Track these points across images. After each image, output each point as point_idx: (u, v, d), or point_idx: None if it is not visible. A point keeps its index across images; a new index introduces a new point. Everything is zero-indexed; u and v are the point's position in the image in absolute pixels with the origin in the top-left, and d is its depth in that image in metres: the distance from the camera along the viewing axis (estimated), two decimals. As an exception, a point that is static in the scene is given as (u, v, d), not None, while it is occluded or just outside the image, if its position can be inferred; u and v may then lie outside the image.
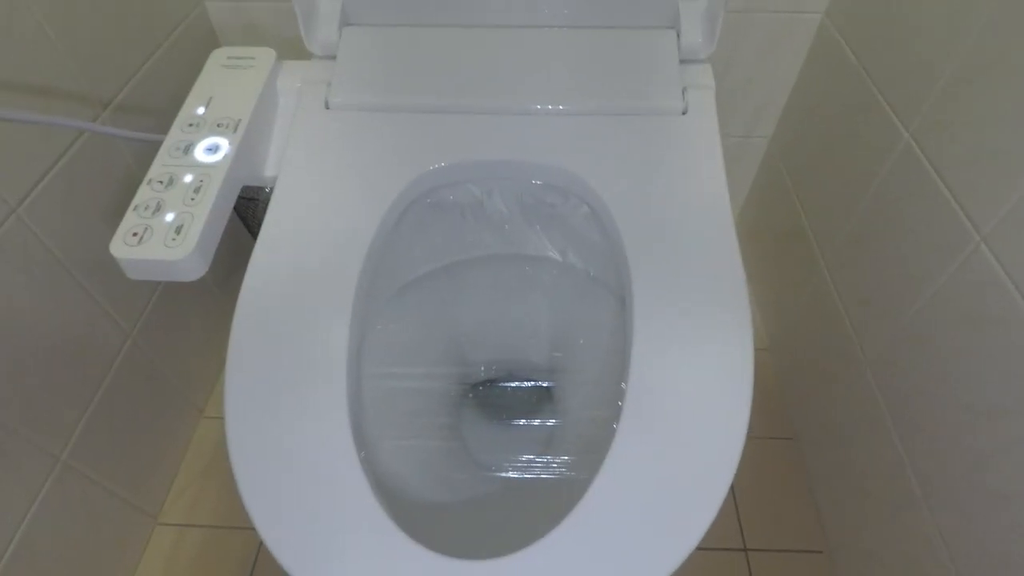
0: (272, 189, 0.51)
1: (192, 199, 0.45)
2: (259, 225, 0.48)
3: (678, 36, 0.55)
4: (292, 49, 0.61)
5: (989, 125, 0.50)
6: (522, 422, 0.68)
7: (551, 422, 0.65)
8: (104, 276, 0.62)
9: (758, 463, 0.83)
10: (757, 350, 0.93)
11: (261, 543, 0.72)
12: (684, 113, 0.52)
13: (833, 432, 0.76)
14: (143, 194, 0.46)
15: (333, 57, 0.57)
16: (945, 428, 0.55)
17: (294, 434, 0.39)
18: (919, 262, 0.59)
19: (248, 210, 0.60)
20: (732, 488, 0.81)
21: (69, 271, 0.58)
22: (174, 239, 0.43)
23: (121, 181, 0.64)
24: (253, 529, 0.36)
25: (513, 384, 0.67)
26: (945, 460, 0.55)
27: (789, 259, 0.89)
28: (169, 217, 0.45)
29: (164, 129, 0.52)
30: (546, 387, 0.72)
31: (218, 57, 0.56)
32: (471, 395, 0.70)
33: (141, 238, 0.44)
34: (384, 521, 0.35)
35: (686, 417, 0.39)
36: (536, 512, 0.45)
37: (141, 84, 0.65)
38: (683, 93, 0.53)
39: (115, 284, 0.64)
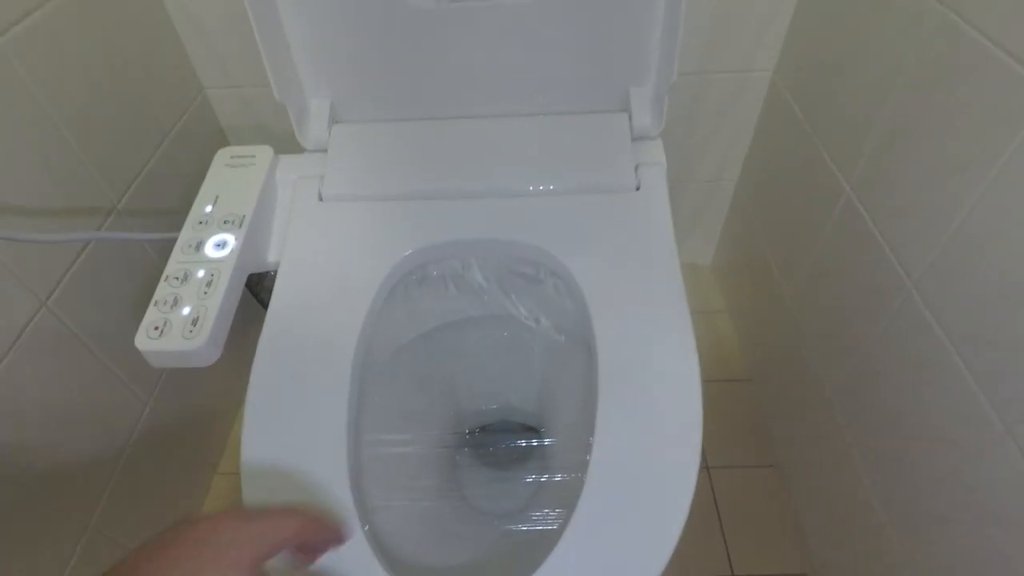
0: (275, 272, 0.57)
1: (205, 293, 0.52)
2: (267, 294, 0.55)
3: (630, 118, 0.62)
4: (284, 125, 0.68)
5: (912, 180, 0.56)
6: (515, 463, 0.73)
7: (541, 467, 0.70)
8: (124, 351, 0.68)
9: (743, 491, 0.88)
10: (740, 380, 0.99)
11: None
12: (638, 189, 0.59)
13: (810, 459, 0.80)
14: (162, 290, 0.52)
15: (324, 150, 0.64)
16: (898, 460, 0.60)
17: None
18: (865, 304, 0.65)
19: (256, 283, 0.66)
20: (719, 516, 0.86)
21: (94, 352, 0.64)
22: (191, 331, 0.49)
23: (140, 266, 0.70)
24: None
25: (505, 439, 0.72)
26: (902, 487, 0.60)
27: (761, 294, 0.95)
28: (186, 311, 0.51)
29: (176, 223, 0.58)
30: (536, 429, 0.78)
31: (222, 157, 0.63)
32: (466, 445, 0.75)
33: (162, 331, 0.50)
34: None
35: (644, 464, 0.45)
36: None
37: (153, 182, 0.72)
38: (636, 171, 0.60)
39: (134, 357, 0.70)
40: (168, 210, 0.75)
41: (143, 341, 0.49)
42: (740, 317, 1.05)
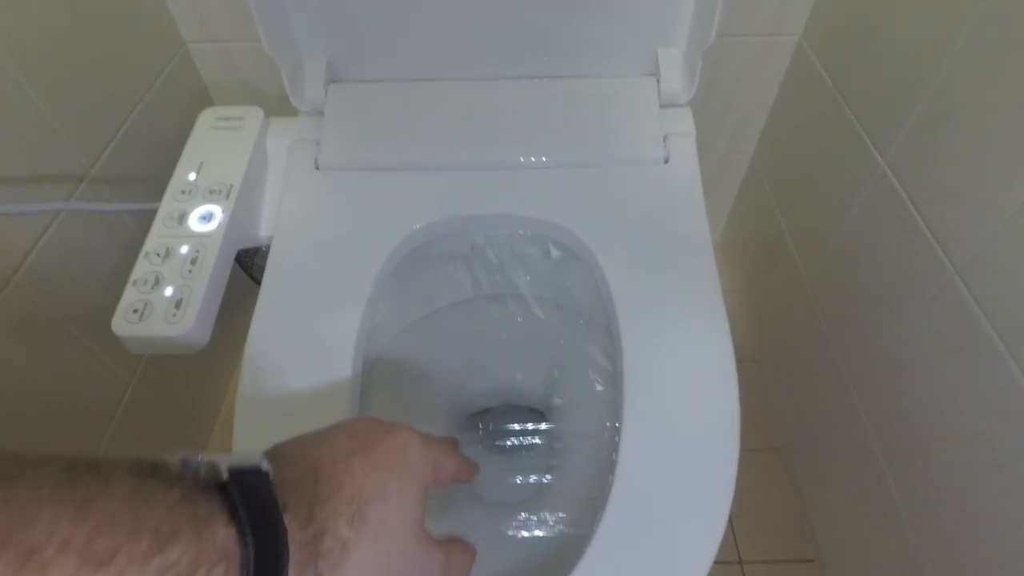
0: (268, 248, 0.52)
1: (189, 271, 0.46)
2: (259, 271, 0.50)
3: (658, 83, 0.57)
4: (276, 85, 0.62)
5: (962, 160, 0.52)
6: (521, 448, 0.70)
7: (549, 453, 0.67)
8: (103, 329, 0.63)
9: (750, 474, 0.85)
10: (746, 361, 0.96)
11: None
12: (666, 162, 0.54)
13: (821, 445, 0.78)
14: (141, 268, 0.47)
15: (320, 112, 0.58)
16: (925, 451, 0.57)
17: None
18: (896, 289, 0.61)
19: (248, 259, 0.61)
20: (726, 501, 0.84)
21: (68, 331, 0.59)
22: (174, 314, 0.45)
23: (118, 237, 0.64)
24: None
25: (511, 423, 0.68)
26: (927, 482, 0.57)
27: (774, 272, 0.91)
28: (168, 291, 0.46)
29: (157, 192, 0.53)
30: (543, 414, 0.74)
31: (207, 118, 0.57)
32: (472, 426, 0.71)
33: (142, 314, 0.45)
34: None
35: (678, 456, 0.41)
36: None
37: (130, 146, 0.65)
38: (664, 141, 0.55)
39: (111, 335, 0.65)
40: (148, 177, 0.68)
41: (121, 326, 0.44)
42: (749, 296, 1.01)
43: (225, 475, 0.23)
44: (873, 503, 0.66)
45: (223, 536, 0.21)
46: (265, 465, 0.24)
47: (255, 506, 0.22)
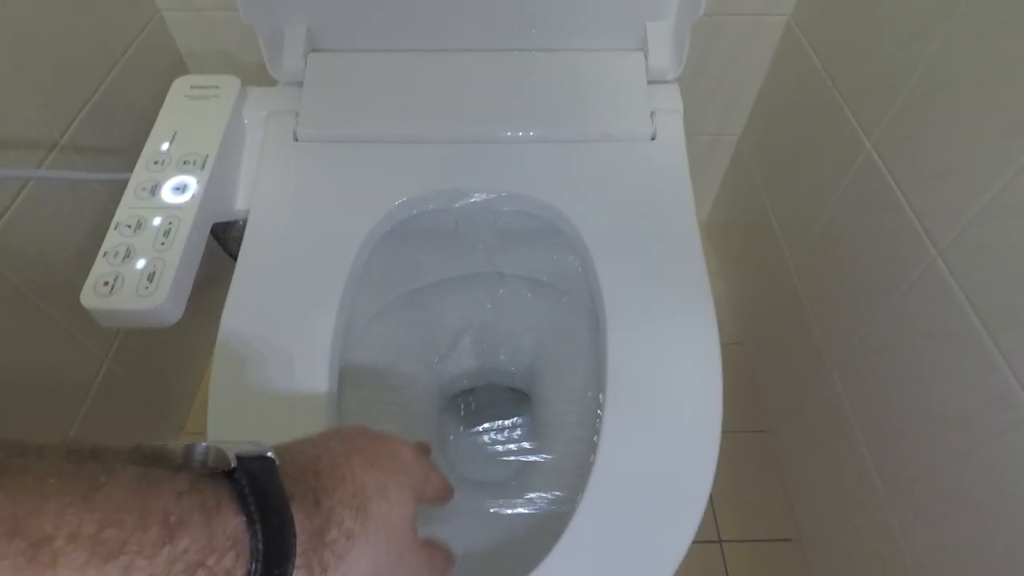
0: (244, 222, 0.50)
1: (162, 244, 0.45)
2: (235, 244, 0.48)
3: (646, 58, 0.56)
4: (253, 54, 0.59)
5: (947, 142, 0.52)
6: (503, 431, 0.70)
7: (530, 434, 0.66)
8: (74, 305, 0.61)
9: (731, 455, 0.86)
10: (729, 344, 0.96)
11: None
12: (653, 139, 0.53)
13: (803, 427, 0.79)
14: (111, 239, 0.45)
15: (299, 83, 0.56)
16: (905, 433, 0.58)
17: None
18: (879, 271, 0.61)
19: (223, 232, 0.59)
20: (707, 481, 0.84)
21: (37, 306, 0.58)
22: (147, 287, 0.43)
23: (89, 208, 0.62)
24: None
25: (493, 404, 0.68)
26: (906, 463, 0.58)
27: (759, 255, 0.91)
28: (140, 264, 0.44)
29: (129, 162, 0.51)
30: (525, 394, 0.74)
31: (181, 87, 0.55)
32: (454, 405, 0.71)
33: (112, 287, 0.43)
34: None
35: (660, 436, 0.41)
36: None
37: (102, 114, 0.63)
38: (651, 118, 0.54)
39: (84, 311, 0.63)
40: (121, 147, 0.66)
41: (91, 298, 0.43)
42: (733, 278, 1.02)
43: (233, 462, 0.22)
44: (852, 484, 0.67)
45: (233, 524, 0.21)
46: (272, 453, 0.24)
47: (264, 493, 0.22)
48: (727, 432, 0.43)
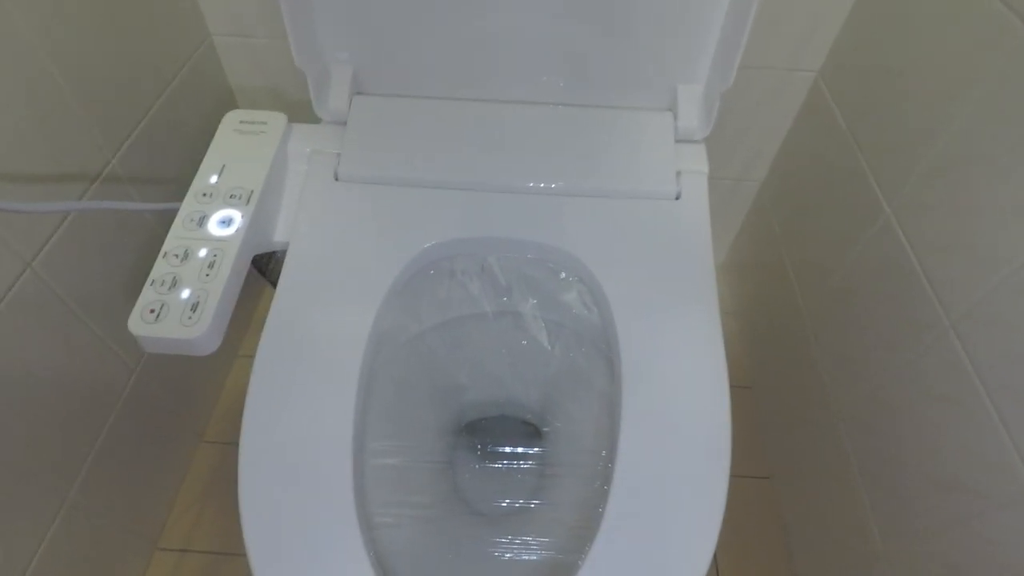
0: (281, 254, 0.53)
1: (207, 275, 0.48)
2: (274, 273, 0.51)
3: (675, 118, 0.58)
4: (299, 90, 0.61)
5: (965, 215, 0.53)
6: (513, 462, 0.71)
7: (540, 470, 0.68)
8: (112, 317, 0.64)
9: (736, 500, 0.87)
10: (740, 387, 0.97)
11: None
12: (677, 198, 0.55)
13: (807, 476, 0.80)
14: (159, 268, 0.48)
15: (343, 123, 0.58)
16: (908, 494, 0.59)
17: (304, 503, 0.42)
18: (891, 332, 0.62)
19: (264, 262, 0.62)
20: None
21: (81, 318, 0.60)
22: (190, 317, 0.46)
23: (135, 230, 0.65)
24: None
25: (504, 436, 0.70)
26: (906, 522, 0.59)
27: (774, 301, 0.92)
28: (185, 294, 0.47)
29: (174, 189, 0.54)
30: (536, 428, 0.75)
31: (231, 121, 0.57)
32: (469, 442, 0.73)
33: (158, 315, 0.46)
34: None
35: (669, 486, 0.43)
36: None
37: (150, 140, 0.66)
38: (677, 177, 0.56)
39: (121, 324, 0.66)
40: (167, 175, 0.69)
41: (138, 325, 0.45)
42: (747, 322, 1.03)
43: None
44: (853, 540, 0.67)
45: None
46: None
47: None
48: (732, 477, 0.45)
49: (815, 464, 0.77)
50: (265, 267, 0.57)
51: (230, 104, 0.82)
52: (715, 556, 0.83)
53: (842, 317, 0.72)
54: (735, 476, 0.88)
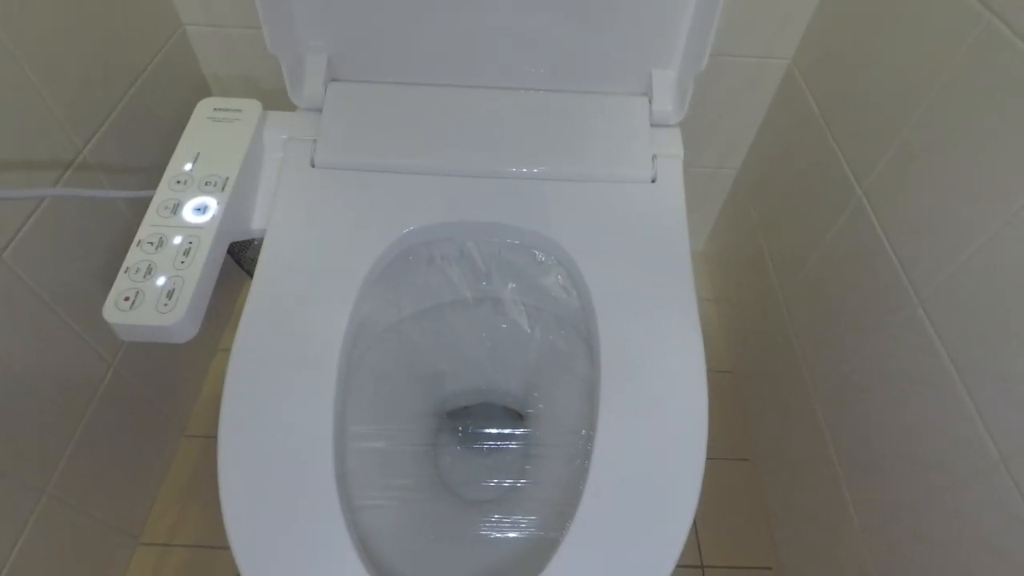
0: (259, 241, 0.53)
1: (182, 262, 0.47)
2: (250, 263, 0.51)
3: (650, 103, 0.58)
4: (273, 78, 0.61)
5: (932, 197, 0.54)
6: (496, 447, 0.72)
7: (523, 453, 0.68)
8: (86, 309, 0.64)
9: (717, 482, 0.88)
10: (720, 372, 0.99)
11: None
12: (653, 181, 0.55)
13: (787, 457, 0.81)
14: (133, 256, 0.48)
15: (318, 109, 0.58)
16: (882, 470, 0.60)
17: (284, 490, 0.42)
18: (864, 313, 0.64)
19: (240, 250, 0.62)
20: (692, 506, 0.86)
21: (54, 310, 0.59)
22: (166, 304, 0.45)
23: (108, 220, 0.64)
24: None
25: (487, 422, 0.70)
26: (882, 500, 0.60)
27: (751, 286, 0.93)
28: (160, 281, 0.46)
29: (148, 178, 0.53)
30: (519, 414, 0.76)
31: (204, 109, 0.57)
32: (451, 426, 0.73)
33: (133, 303, 0.45)
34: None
35: (647, 463, 0.44)
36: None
37: (123, 128, 0.65)
38: (653, 161, 0.56)
39: (97, 316, 0.65)
40: (140, 163, 0.68)
41: (112, 313, 0.45)
42: (726, 308, 1.04)
43: None
44: (831, 516, 0.69)
45: None
46: None
47: None
48: (712, 459, 0.46)
49: (794, 445, 0.78)
50: (242, 257, 0.57)
51: (204, 93, 0.81)
52: (697, 535, 0.84)
53: (818, 301, 0.73)
54: (717, 459, 0.90)
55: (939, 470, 0.53)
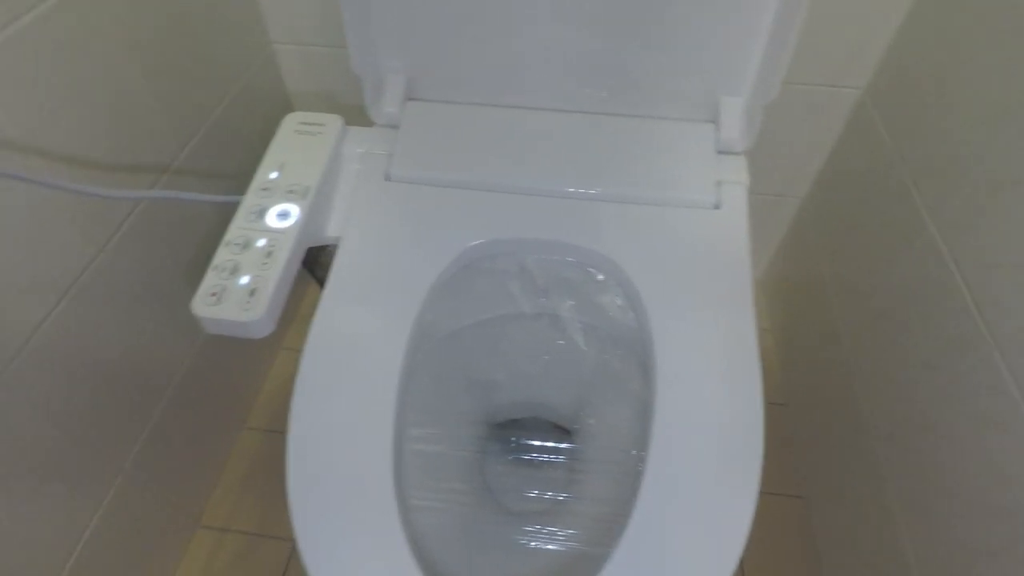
0: (333, 247, 0.56)
1: (264, 263, 0.51)
2: (322, 269, 0.54)
3: (717, 129, 0.59)
4: (352, 96, 0.65)
5: (1013, 234, 0.52)
6: (544, 462, 0.73)
7: (571, 469, 0.69)
8: (171, 303, 0.68)
9: (766, 518, 0.86)
10: (775, 405, 0.96)
11: (292, 553, 0.78)
12: (717, 208, 0.56)
13: (840, 497, 0.78)
14: (221, 255, 0.51)
15: (395, 126, 0.62)
16: (946, 519, 0.58)
17: (346, 483, 0.44)
18: (932, 352, 0.61)
19: (313, 258, 0.65)
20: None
21: (145, 302, 0.64)
22: (248, 302, 0.49)
23: (196, 224, 0.70)
24: (285, 539, 0.41)
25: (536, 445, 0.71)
26: (944, 551, 0.57)
27: (811, 318, 0.91)
28: (244, 280, 0.50)
29: (233, 185, 0.57)
30: (567, 430, 0.77)
31: (291, 122, 0.61)
32: (502, 436, 0.74)
33: (219, 298, 0.49)
34: None
35: (699, 491, 0.44)
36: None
37: (213, 140, 0.70)
38: (717, 187, 0.57)
39: (180, 311, 0.70)
40: (226, 171, 0.73)
41: (200, 307, 0.49)
42: (784, 338, 1.02)
43: None
44: (887, 564, 0.66)
45: None
46: None
47: None
48: (765, 494, 0.45)
49: (850, 485, 0.76)
50: (315, 263, 0.60)
51: (286, 108, 0.87)
52: (743, 571, 0.82)
53: (881, 335, 0.71)
54: (767, 493, 0.87)
55: (1011, 520, 0.50)
